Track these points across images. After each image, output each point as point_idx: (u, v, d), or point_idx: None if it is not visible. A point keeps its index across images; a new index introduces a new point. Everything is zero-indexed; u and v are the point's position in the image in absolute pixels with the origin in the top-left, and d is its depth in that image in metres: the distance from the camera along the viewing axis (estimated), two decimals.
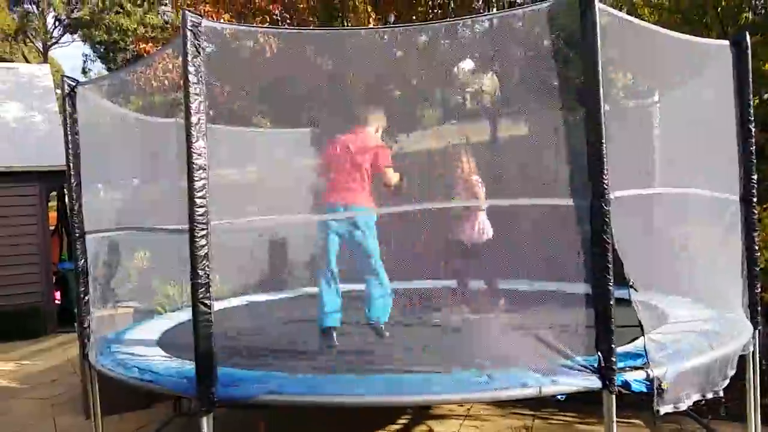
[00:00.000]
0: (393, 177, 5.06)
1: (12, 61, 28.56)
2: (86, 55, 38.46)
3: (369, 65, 8.69)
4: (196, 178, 3.50)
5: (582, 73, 3.49)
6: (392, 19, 11.11)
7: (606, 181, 3.37)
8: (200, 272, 3.48)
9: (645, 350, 3.54)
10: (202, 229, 3.50)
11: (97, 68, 37.45)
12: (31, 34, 35.93)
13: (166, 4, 31.12)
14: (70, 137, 5.00)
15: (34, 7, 35.11)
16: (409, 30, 7.18)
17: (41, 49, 36.44)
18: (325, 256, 4.98)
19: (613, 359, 3.36)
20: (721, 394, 3.90)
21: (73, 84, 5.03)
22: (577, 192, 4.19)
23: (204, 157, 3.54)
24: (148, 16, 33.21)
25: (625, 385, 3.41)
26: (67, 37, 37.33)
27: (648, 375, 3.45)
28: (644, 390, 3.44)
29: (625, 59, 4.09)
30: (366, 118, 5.32)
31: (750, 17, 8.22)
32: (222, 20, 9.48)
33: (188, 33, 3.52)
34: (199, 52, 3.56)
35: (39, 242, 11.61)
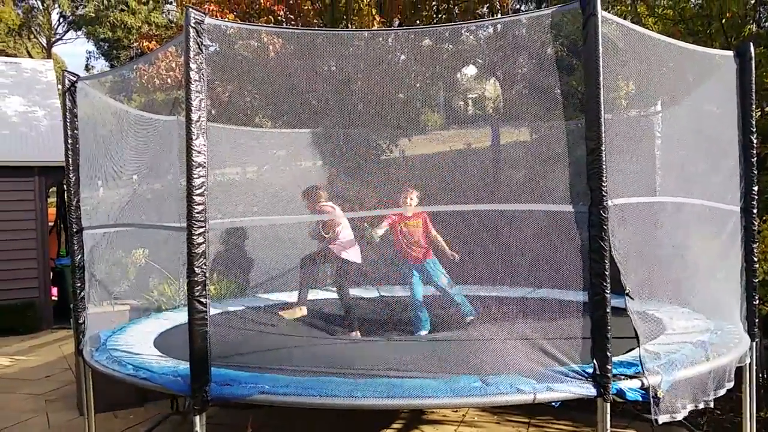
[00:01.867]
0: None
1: (15, 56, 28.61)
2: (90, 52, 38.59)
3: (373, 68, 8.77)
4: (195, 176, 3.49)
5: (583, 80, 3.49)
6: (397, 23, 11.14)
7: (605, 188, 3.37)
8: (197, 270, 3.48)
9: (640, 359, 3.53)
10: (200, 227, 3.49)
11: (101, 65, 37.51)
12: (36, 30, 36.01)
13: (171, 3, 31.24)
14: (69, 132, 4.98)
15: (39, 2, 35.20)
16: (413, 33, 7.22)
17: (45, 45, 36.52)
18: None
19: (609, 367, 3.35)
20: (712, 404, 3.90)
21: (74, 79, 5.01)
22: (576, 199, 4.20)
23: (204, 154, 3.53)
24: (152, 14, 33.30)
25: (620, 393, 3.40)
26: (71, 33, 37.44)
27: (643, 384, 3.45)
28: (639, 399, 3.44)
29: (627, 68, 4.08)
30: None
31: (754, 29, 8.23)
32: (226, 19, 9.47)
33: (191, 30, 3.51)
34: (201, 50, 3.55)
35: (37, 237, 11.58)
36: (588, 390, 3.35)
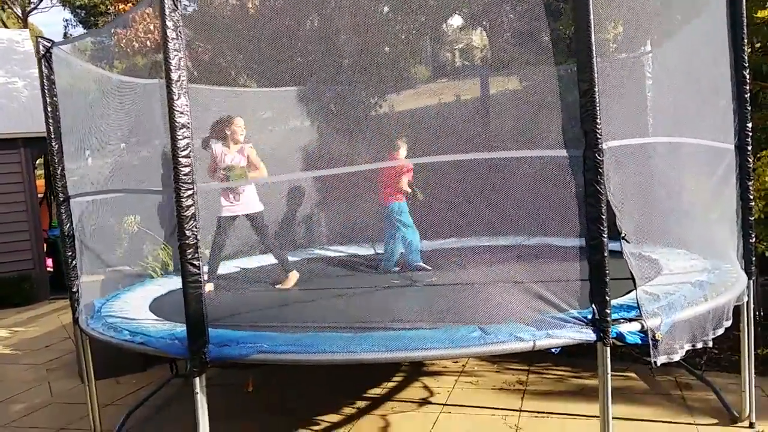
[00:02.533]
0: None
1: None
2: (67, 20, 37.74)
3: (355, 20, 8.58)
4: (179, 137, 3.40)
5: (573, 20, 3.39)
6: None
7: (599, 131, 3.30)
8: (188, 233, 3.41)
9: (638, 302, 3.51)
10: (188, 189, 3.42)
11: (79, 33, 36.73)
12: (10, 0, 35.16)
13: None
14: (48, 100, 4.86)
15: None
16: None
17: (20, 16, 35.70)
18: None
19: (608, 311, 3.32)
20: (710, 343, 3.90)
21: (48, 45, 4.86)
22: (570, 143, 4.14)
23: (187, 114, 3.43)
24: None
25: (620, 337, 3.39)
26: (47, 2, 36.58)
27: (642, 327, 3.43)
28: (638, 342, 3.42)
29: (616, 3, 3.97)
30: None
31: None
32: None
33: None
34: (177, 6, 3.43)
35: (27, 209, 11.49)
36: (587, 335, 3.33)
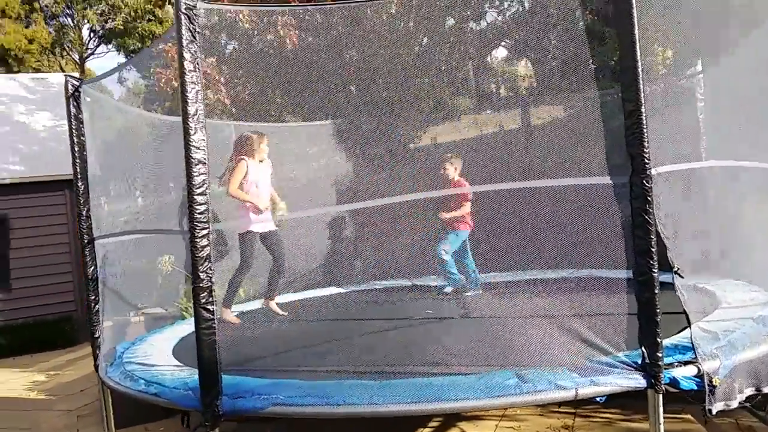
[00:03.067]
0: None
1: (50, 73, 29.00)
2: (121, 64, 38.93)
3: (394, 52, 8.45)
4: (195, 173, 3.24)
5: (617, 36, 3.12)
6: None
7: (647, 155, 3.00)
8: (202, 275, 3.23)
9: (692, 343, 3.15)
10: (203, 228, 3.24)
11: (133, 76, 37.81)
12: (68, 47, 36.52)
13: None
14: (75, 140, 4.78)
15: (70, 20, 35.67)
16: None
17: (78, 61, 37.03)
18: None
19: (659, 354, 2.98)
20: None
21: (77, 84, 4.80)
22: (615, 169, 3.83)
23: (203, 150, 3.27)
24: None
25: (673, 382, 3.04)
26: (102, 47, 37.84)
27: (699, 370, 3.07)
28: (694, 388, 3.06)
29: (664, 19, 3.69)
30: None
31: None
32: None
33: (182, 17, 3.26)
34: (195, 37, 3.29)
35: (71, 251, 11.57)
36: (637, 382, 3.00)
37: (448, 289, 6.25)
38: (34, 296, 11.12)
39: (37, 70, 30.16)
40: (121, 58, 37.31)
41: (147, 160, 5.70)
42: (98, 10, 34.64)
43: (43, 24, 34.56)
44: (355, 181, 8.28)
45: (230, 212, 6.16)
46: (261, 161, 5.88)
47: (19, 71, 26.52)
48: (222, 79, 8.35)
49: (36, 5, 31.39)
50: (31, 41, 31.27)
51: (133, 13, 34.74)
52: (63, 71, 33.77)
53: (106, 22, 36.29)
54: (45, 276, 11.19)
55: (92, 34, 37.35)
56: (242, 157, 5.74)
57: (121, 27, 35.04)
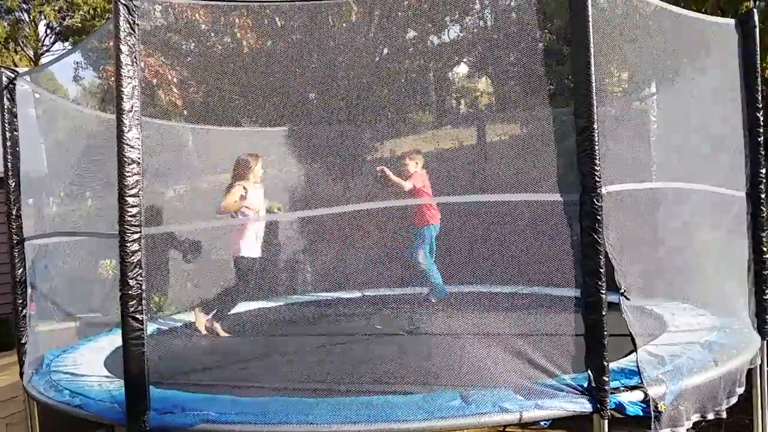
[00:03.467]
0: None
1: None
2: (77, 62, 38.02)
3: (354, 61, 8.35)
4: (127, 173, 3.05)
5: (571, 50, 3.07)
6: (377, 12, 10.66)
7: (598, 173, 2.93)
8: (131, 282, 3.03)
9: (638, 368, 3.09)
10: (135, 233, 3.05)
11: (89, 75, 36.94)
12: (22, 42, 35.54)
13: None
14: (8, 135, 4.53)
15: (26, 15, 34.73)
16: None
17: (32, 57, 36.05)
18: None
19: (606, 378, 2.91)
20: (724, 414, 3.46)
21: (12, 76, 4.56)
22: (565, 187, 3.77)
23: (138, 149, 3.09)
24: (141, 20, 32.79)
25: (619, 407, 2.97)
26: (59, 45, 36.93)
27: (645, 395, 3.01)
28: (640, 413, 2.99)
29: (617, 40, 3.65)
30: None
31: (752, 5, 7.81)
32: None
33: (120, 7, 3.08)
34: (134, 30, 3.12)
35: (9, 251, 11.11)
36: (582, 406, 2.91)
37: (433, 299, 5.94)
38: None
39: None
40: (78, 57, 36.41)
41: (96, 160, 5.48)
42: (56, 6, 33.80)
43: None
44: (308, 189, 8.14)
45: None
46: (256, 183, 5.70)
47: None
48: (174, 80, 8.11)
49: None
50: None
51: (92, 11, 34.03)
52: (16, 66, 32.85)
53: (64, 19, 35.44)
54: None
55: (49, 31, 36.43)
56: (239, 183, 5.57)
57: (79, 25, 34.28)
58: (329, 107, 8.89)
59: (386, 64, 9.68)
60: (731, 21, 4.20)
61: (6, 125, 4.52)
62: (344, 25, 8.68)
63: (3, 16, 34.35)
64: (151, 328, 4.87)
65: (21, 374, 4.42)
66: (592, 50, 2.94)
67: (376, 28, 9.04)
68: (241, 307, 6.15)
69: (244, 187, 5.51)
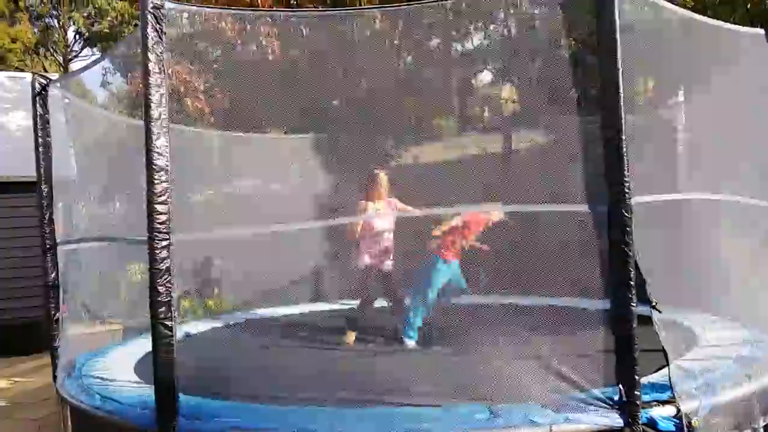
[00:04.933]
0: None
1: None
2: (106, 68, 38.56)
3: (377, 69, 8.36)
4: (156, 181, 3.09)
5: (599, 62, 3.04)
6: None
7: (627, 183, 2.90)
8: (161, 289, 3.06)
9: (670, 382, 3.04)
10: (164, 239, 3.08)
11: (117, 80, 37.42)
12: (52, 48, 36.14)
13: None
14: (41, 141, 4.60)
15: (55, 21, 35.33)
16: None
17: (62, 63, 36.63)
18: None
19: (637, 393, 2.88)
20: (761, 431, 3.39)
21: (44, 83, 4.64)
22: (594, 198, 3.73)
23: (166, 156, 3.12)
24: (169, 28, 33.20)
25: (651, 422, 2.92)
26: (87, 50, 37.47)
27: (677, 410, 2.96)
28: (672, 429, 2.94)
29: (647, 51, 3.63)
30: None
31: None
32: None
33: (149, 16, 3.13)
34: (161, 38, 3.16)
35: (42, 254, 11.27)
36: (613, 420, 2.88)
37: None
38: (2, 299, 10.79)
39: (19, 70, 29.77)
40: (107, 63, 36.85)
41: (124, 166, 5.55)
42: (85, 12, 34.35)
43: (27, 24, 34.20)
44: (334, 196, 8.14)
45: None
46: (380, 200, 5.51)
47: (0, 70, 26.21)
48: (201, 87, 8.18)
49: (21, 4, 31.07)
50: (14, 40, 30.90)
51: (119, 17, 34.51)
52: (46, 72, 33.38)
53: (92, 25, 36.00)
54: (14, 279, 10.87)
55: (77, 37, 37.00)
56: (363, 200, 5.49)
57: (107, 31, 34.77)
58: (353, 114, 8.94)
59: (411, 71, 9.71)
60: (761, 31, 4.14)
61: (39, 131, 4.59)
62: (368, 33, 8.71)
63: (33, 22, 35.03)
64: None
65: (54, 377, 4.47)
66: (619, 59, 2.92)
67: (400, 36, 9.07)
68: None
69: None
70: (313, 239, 7.96)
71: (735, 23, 7.47)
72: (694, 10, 8.04)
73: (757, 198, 4.14)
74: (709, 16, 7.59)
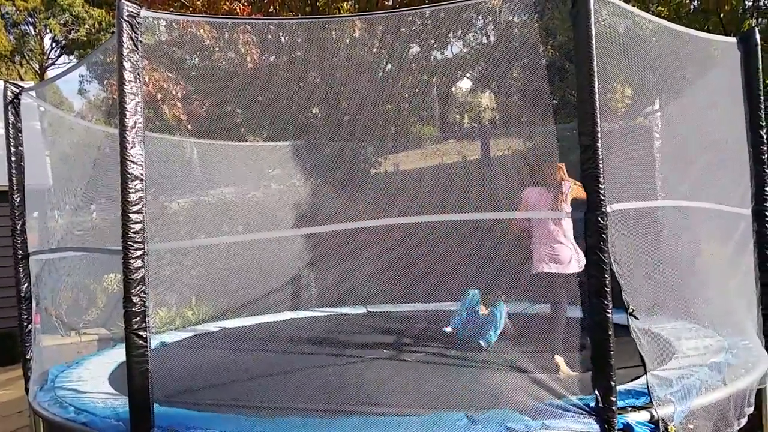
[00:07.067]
0: None
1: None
2: (82, 75, 38.18)
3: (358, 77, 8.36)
4: (130, 190, 3.05)
5: (576, 72, 3.06)
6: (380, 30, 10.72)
7: (602, 191, 2.92)
8: (135, 299, 3.02)
9: (648, 388, 3.06)
10: (138, 249, 3.04)
11: (94, 88, 37.06)
12: (28, 55, 35.72)
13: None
14: (13, 149, 4.52)
15: (31, 28, 34.94)
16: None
17: (38, 70, 36.21)
18: None
19: (613, 398, 2.88)
20: None
21: (17, 91, 4.56)
22: (571, 205, 3.76)
23: (141, 165, 3.09)
24: (145, 35, 32.99)
25: (627, 428, 2.93)
26: (64, 58, 37.10)
27: (653, 416, 2.97)
28: None
29: (624, 56, 3.65)
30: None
31: (754, 23, 7.84)
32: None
33: (124, 24, 3.09)
34: (137, 46, 3.13)
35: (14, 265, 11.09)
36: (590, 426, 2.88)
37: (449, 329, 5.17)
38: None
39: None
40: (83, 70, 36.51)
41: (100, 174, 5.48)
42: (61, 20, 34.00)
43: (3, 31, 33.79)
44: (313, 204, 8.11)
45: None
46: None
47: None
48: (178, 94, 8.12)
49: None
50: None
51: (97, 25, 34.23)
52: (22, 80, 32.98)
53: (69, 32, 35.66)
54: None
55: (54, 44, 36.64)
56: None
57: (84, 38, 34.47)
58: (332, 122, 8.92)
59: (389, 78, 9.72)
60: (733, 39, 4.20)
61: (11, 140, 4.51)
62: (347, 41, 8.72)
63: (9, 29, 34.60)
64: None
65: (26, 390, 4.38)
66: (595, 67, 2.94)
67: (380, 43, 9.08)
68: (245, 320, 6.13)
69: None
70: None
71: (708, 31, 7.62)
72: (668, 19, 8.20)
73: (732, 205, 4.18)
74: (683, 25, 7.74)
